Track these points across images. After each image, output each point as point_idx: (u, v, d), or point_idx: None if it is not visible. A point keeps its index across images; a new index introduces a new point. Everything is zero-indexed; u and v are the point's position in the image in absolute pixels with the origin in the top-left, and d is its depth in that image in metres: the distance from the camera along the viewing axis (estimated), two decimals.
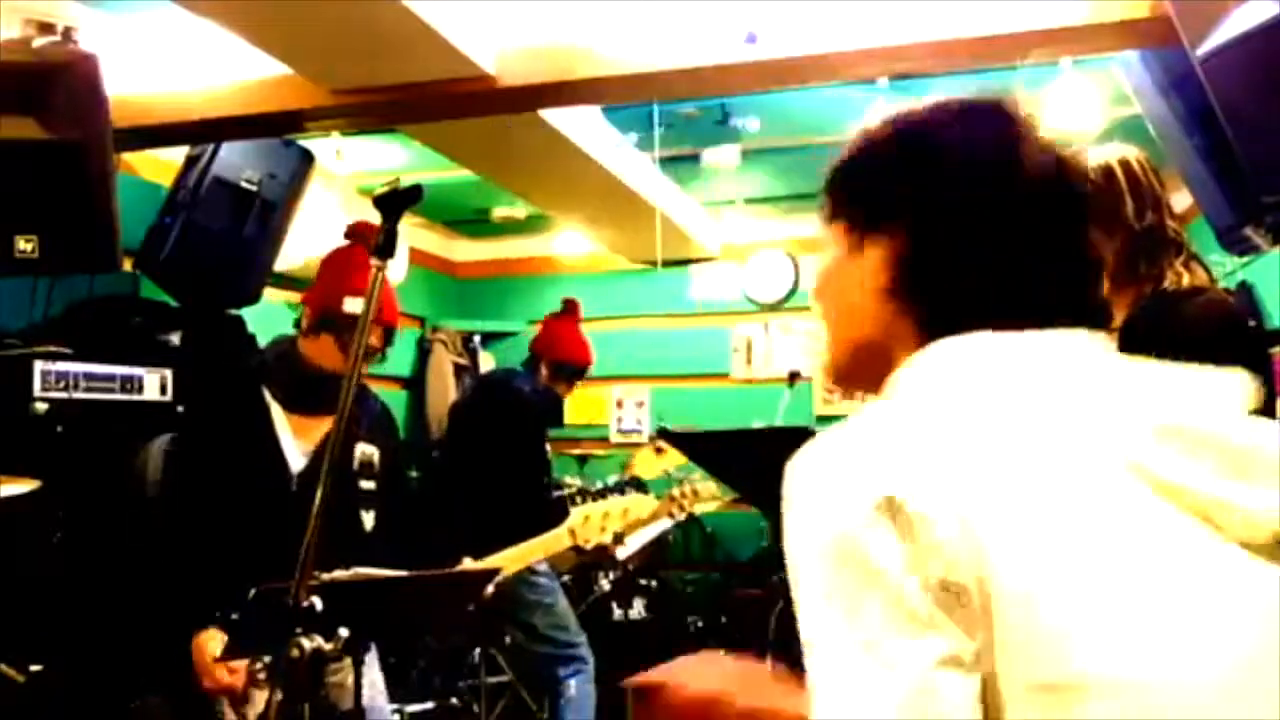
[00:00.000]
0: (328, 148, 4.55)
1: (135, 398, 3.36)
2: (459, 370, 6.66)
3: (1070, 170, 0.94)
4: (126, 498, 3.26)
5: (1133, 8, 2.81)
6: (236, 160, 3.96)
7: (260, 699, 2.44)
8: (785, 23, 3.11)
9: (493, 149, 4.47)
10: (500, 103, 3.47)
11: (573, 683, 4.05)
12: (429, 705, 4.31)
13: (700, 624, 5.53)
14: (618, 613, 5.02)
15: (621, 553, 4.99)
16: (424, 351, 6.76)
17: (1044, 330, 0.85)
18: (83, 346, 3.26)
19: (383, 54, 3.13)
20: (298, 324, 2.66)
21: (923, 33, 3.00)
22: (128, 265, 3.82)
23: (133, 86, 3.48)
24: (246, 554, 2.43)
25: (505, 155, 4.58)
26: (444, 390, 6.51)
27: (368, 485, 2.64)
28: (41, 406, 3.11)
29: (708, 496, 3.85)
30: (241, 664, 2.38)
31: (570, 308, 4.29)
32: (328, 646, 1.58)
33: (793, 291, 6.83)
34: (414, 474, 5.17)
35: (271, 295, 4.41)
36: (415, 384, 6.69)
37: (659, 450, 5.28)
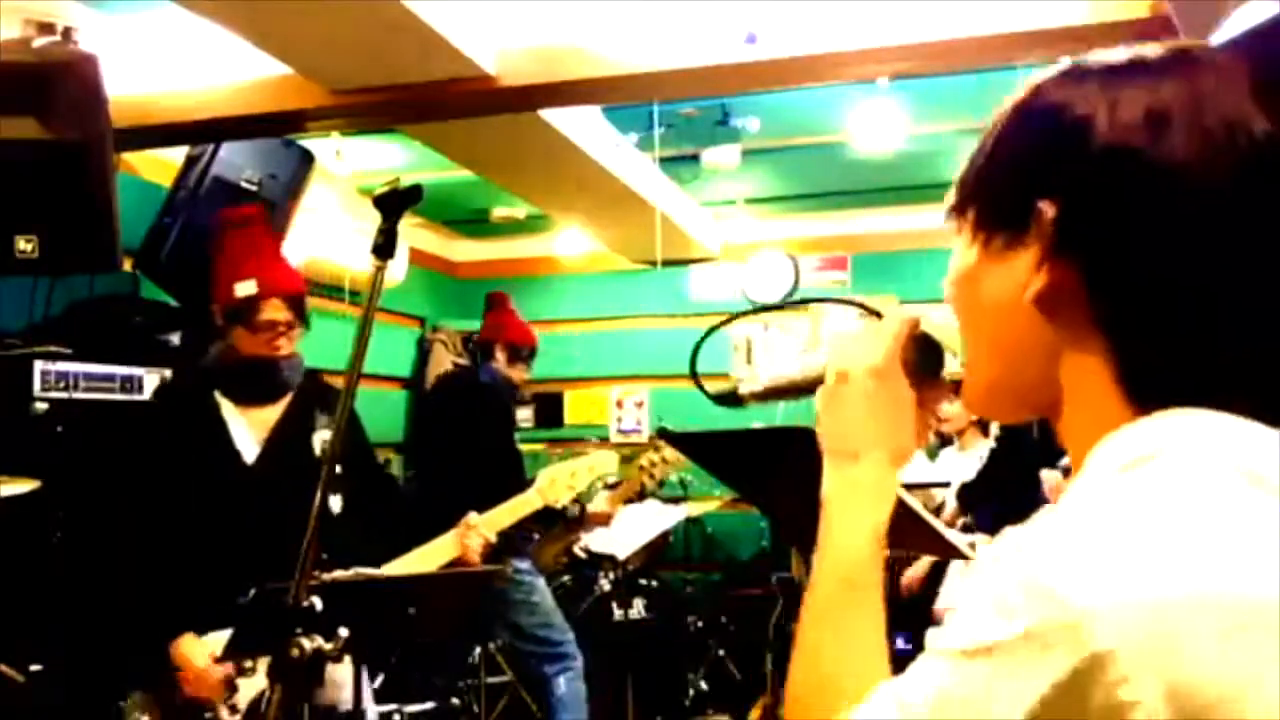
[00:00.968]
0: (328, 148, 4.56)
1: (135, 398, 3.36)
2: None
3: None
4: (126, 498, 3.26)
5: (1133, 8, 2.81)
6: (236, 160, 3.96)
7: (246, 687, 2.44)
8: (785, 23, 3.11)
9: (493, 149, 4.47)
10: (500, 103, 3.47)
11: (561, 680, 4.05)
12: (429, 705, 4.31)
13: (700, 624, 5.53)
14: (618, 613, 5.02)
15: (624, 550, 4.99)
16: (424, 351, 6.76)
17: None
18: (83, 346, 3.26)
19: (383, 54, 3.13)
20: (218, 326, 2.71)
21: (923, 33, 3.00)
22: (128, 265, 3.82)
23: (133, 86, 3.48)
24: (208, 547, 2.48)
25: (505, 155, 4.58)
26: None
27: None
28: (41, 406, 3.11)
29: (675, 462, 3.89)
30: (224, 668, 2.40)
31: (499, 299, 4.42)
32: (328, 647, 1.58)
33: (792, 291, 6.82)
34: (412, 473, 5.17)
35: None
36: (415, 384, 6.69)
37: (656, 449, 5.28)
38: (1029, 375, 0.76)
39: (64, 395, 3.17)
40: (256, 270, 2.63)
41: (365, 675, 2.76)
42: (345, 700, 2.44)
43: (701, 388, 1.10)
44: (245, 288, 2.60)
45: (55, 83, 2.75)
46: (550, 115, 4.04)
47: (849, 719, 0.72)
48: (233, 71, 3.49)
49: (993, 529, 3.40)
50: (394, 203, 1.59)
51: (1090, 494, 0.67)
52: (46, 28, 3.09)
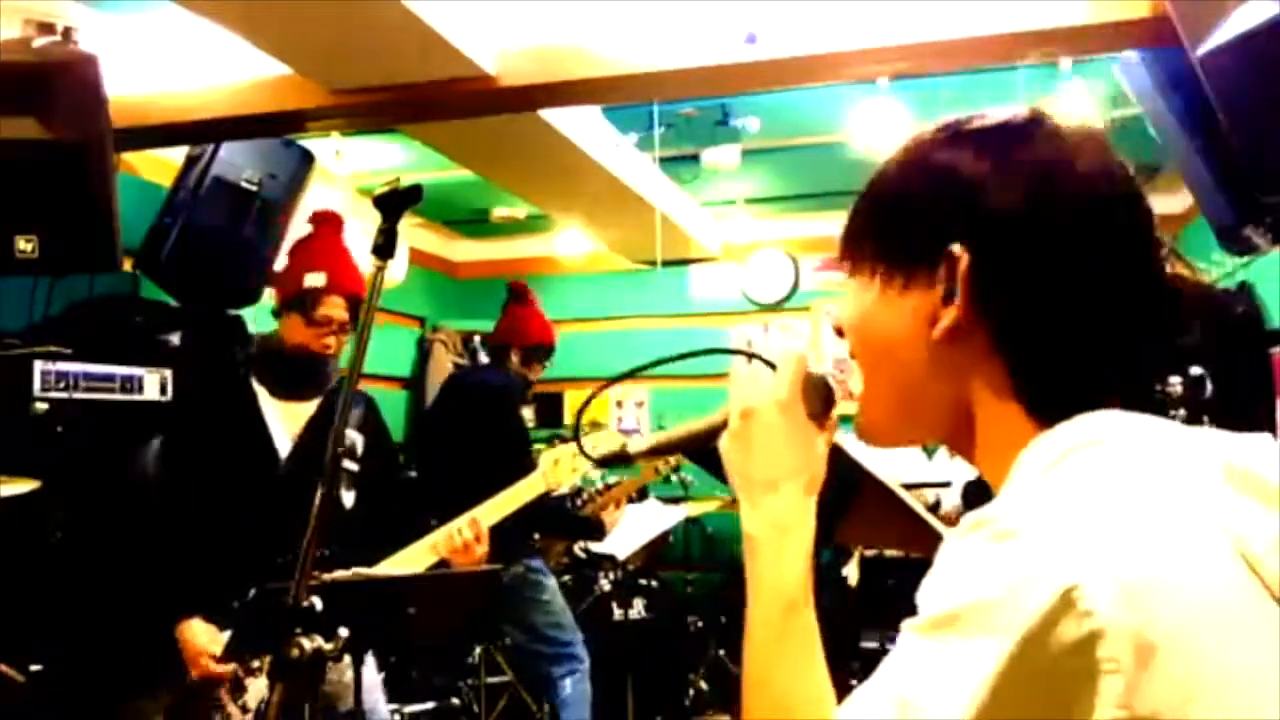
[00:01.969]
0: (328, 148, 4.55)
1: (135, 398, 3.36)
2: (458, 370, 6.66)
3: (1128, 176, 0.83)
4: (126, 498, 3.26)
5: (1133, 8, 2.81)
6: (236, 160, 3.96)
7: (255, 686, 2.45)
8: (785, 23, 3.11)
9: (493, 149, 4.46)
10: (500, 103, 3.47)
11: (568, 682, 4.04)
12: (429, 705, 4.31)
13: (700, 624, 5.53)
14: (618, 613, 5.02)
15: (624, 550, 4.99)
16: (424, 351, 6.76)
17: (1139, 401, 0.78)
18: (83, 346, 3.26)
19: (383, 54, 3.13)
20: (274, 312, 2.83)
21: (923, 33, 2.99)
22: (128, 265, 3.82)
23: (133, 86, 3.48)
24: (239, 539, 2.49)
25: (505, 155, 4.57)
26: None
27: (349, 466, 2.74)
28: (41, 406, 3.11)
29: (677, 459, 3.91)
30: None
31: (522, 291, 4.34)
32: (328, 646, 1.58)
33: (793, 291, 6.83)
34: (412, 474, 5.17)
35: (271, 295, 4.41)
36: (415, 384, 6.69)
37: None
38: (930, 401, 0.85)
39: (64, 395, 3.16)
40: (328, 265, 2.73)
41: (377, 675, 2.78)
42: (373, 700, 2.45)
43: (583, 450, 1.24)
44: (314, 279, 2.70)
45: (55, 83, 2.75)
46: (550, 115, 4.04)
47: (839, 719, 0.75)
48: (233, 71, 3.49)
49: None
50: (394, 203, 1.59)
51: (1031, 486, 0.74)
52: (46, 28, 3.08)
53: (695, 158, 5.15)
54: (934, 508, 4.26)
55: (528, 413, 6.50)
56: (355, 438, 2.82)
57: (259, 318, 4.08)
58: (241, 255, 4.05)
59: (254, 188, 3.99)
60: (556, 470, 3.00)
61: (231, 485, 2.59)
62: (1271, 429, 0.86)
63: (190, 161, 4.00)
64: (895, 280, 0.85)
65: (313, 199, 4.49)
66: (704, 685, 5.32)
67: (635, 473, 4.09)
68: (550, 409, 6.91)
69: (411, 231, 6.54)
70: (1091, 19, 2.85)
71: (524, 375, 4.18)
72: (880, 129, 4.79)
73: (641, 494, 5.55)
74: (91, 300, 3.70)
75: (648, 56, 3.22)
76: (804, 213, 6.68)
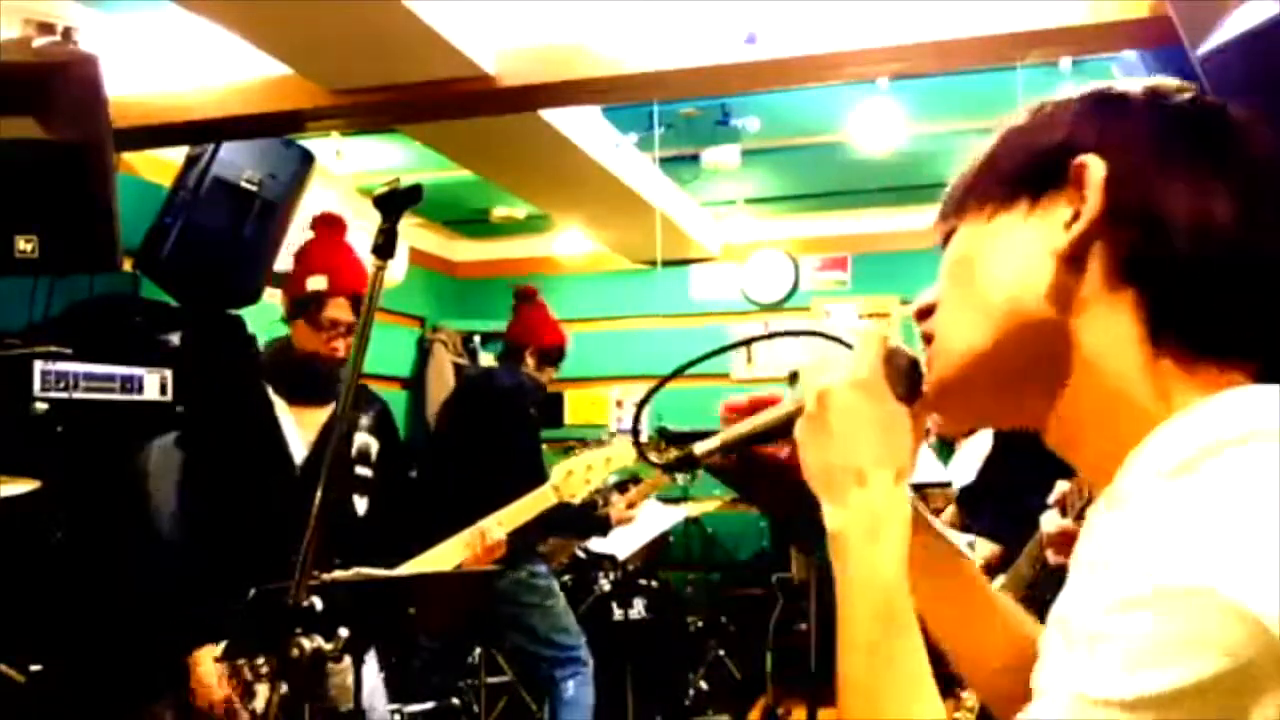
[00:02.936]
0: (328, 148, 4.56)
1: (135, 398, 3.36)
2: (459, 370, 6.66)
3: None
4: (127, 498, 3.26)
5: (1133, 8, 2.81)
6: (236, 160, 3.96)
7: (264, 691, 2.45)
8: (785, 23, 3.11)
9: (493, 149, 4.47)
10: (500, 103, 3.47)
11: (570, 684, 4.03)
12: (429, 705, 4.31)
13: (700, 624, 5.53)
14: (618, 613, 5.02)
15: (624, 550, 4.99)
16: (424, 351, 6.76)
17: None
18: (83, 346, 3.25)
19: (383, 54, 3.13)
20: (284, 319, 2.83)
21: (923, 33, 2.99)
22: (128, 265, 3.82)
23: (133, 86, 3.48)
24: (254, 545, 2.48)
25: (505, 155, 4.57)
26: (444, 390, 6.50)
27: (363, 472, 2.73)
28: (41, 406, 3.10)
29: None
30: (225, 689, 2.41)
31: (531, 294, 4.31)
32: (328, 647, 1.58)
33: (792, 291, 6.83)
34: (413, 474, 5.17)
35: (271, 295, 4.41)
36: (415, 384, 6.69)
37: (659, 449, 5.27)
38: (1028, 349, 0.74)
39: (64, 395, 3.16)
40: (330, 267, 2.73)
41: (378, 676, 2.78)
42: (372, 701, 2.45)
43: (645, 457, 1.06)
44: (316, 282, 2.71)
45: (55, 83, 2.75)
46: (550, 115, 4.04)
47: None
48: (232, 71, 3.49)
49: (992, 531, 3.40)
50: (394, 203, 1.59)
51: (1200, 485, 0.61)
52: (46, 28, 3.09)
53: (695, 158, 5.15)
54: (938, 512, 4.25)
55: None
56: (370, 442, 2.81)
57: (259, 318, 4.08)
58: (241, 255, 4.05)
59: (254, 188, 3.99)
60: (569, 482, 2.97)
61: (249, 491, 2.58)
62: None
63: (190, 161, 4.00)
64: (1015, 206, 0.76)
65: (313, 199, 4.49)
66: (704, 685, 5.32)
67: (652, 475, 4.07)
68: (550, 409, 6.90)
69: (411, 231, 6.54)
70: (1091, 19, 2.85)
71: (537, 378, 4.17)
72: (880, 129, 4.80)
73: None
74: (91, 300, 3.69)
75: (648, 56, 3.22)
76: (804, 213, 6.69)
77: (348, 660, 2.08)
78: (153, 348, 3.61)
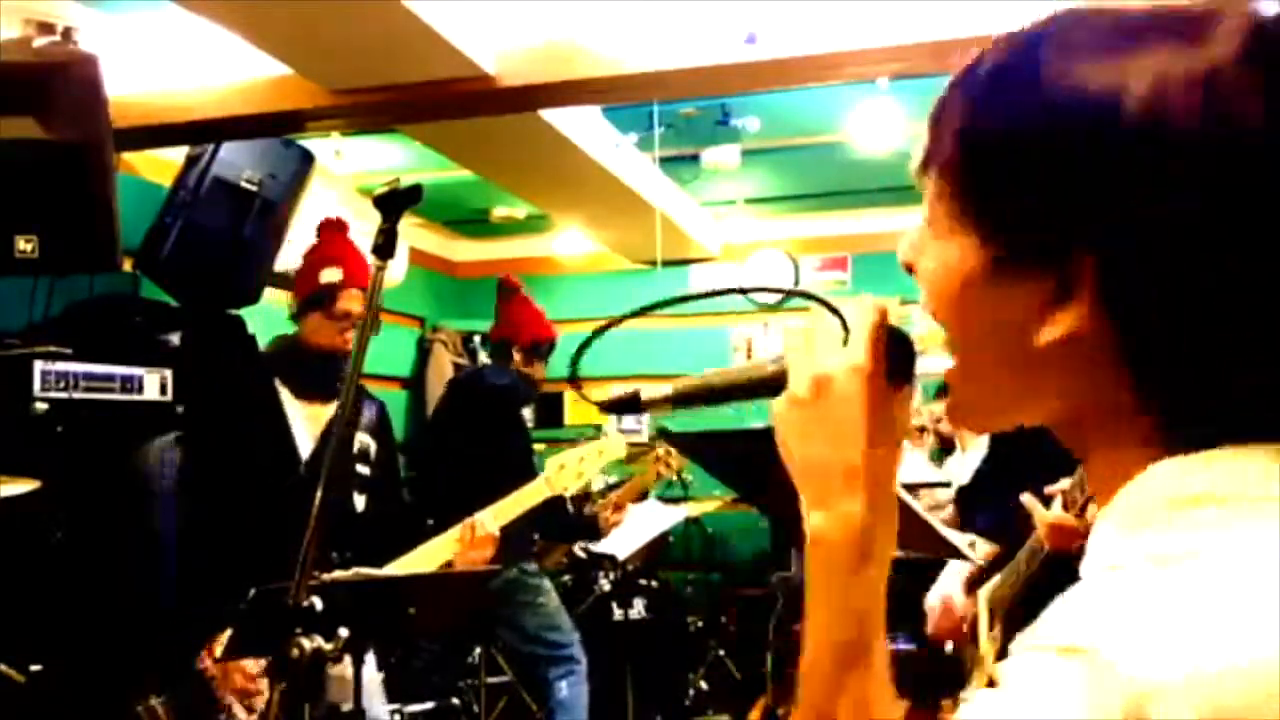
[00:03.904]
0: (328, 148, 4.56)
1: (135, 398, 3.36)
2: (459, 370, 6.66)
3: None
4: (127, 498, 3.26)
5: None
6: (236, 160, 3.96)
7: (266, 688, 2.45)
8: (785, 23, 3.11)
9: (493, 149, 4.47)
10: (500, 103, 3.48)
11: (564, 684, 4.02)
12: (429, 705, 4.31)
13: (700, 624, 5.53)
14: (618, 613, 5.02)
15: (623, 550, 4.99)
16: (424, 351, 6.76)
17: None
18: (83, 346, 3.25)
19: (383, 54, 3.13)
20: (292, 317, 2.84)
21: (923, 33, 3.00)
22: (128, 265, 3.82)
23: (133, 86, 3.48)
24: (259, 542, 2.49)
25: (505, 155, 4.58)
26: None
27: (362, 470, 2.75)
28: (41, 406, 3.11)
29: (680, 460, 3.94)
30: (256, 665, 2.41)
31: (513, 286, 4.20)
32: (327, 647, 1.58)
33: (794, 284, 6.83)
34: (412, 474, 5.18)
35: (271, 295, 4.41)
36: (415, 384, 6.69)
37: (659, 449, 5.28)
38: (1045, 387, 0.66)
39: (64, 395, 3.16)
40: (342, 261, 2.76)
41: (378, 674, 2.79)
42: (369, 702, 2.46)
43: (584, 396, 0.96)
44: (331, 274, 2.74)
45: (55, 83, 2.75)
46: (550, 115, 4.04)
47: None
48: (232, 71, 3.49)
49: (990, 532, 3.39)
50: (394, 203, 1.59)
51: (1136, 549, 0.59)
52: (46, 28, 3.09)
53: (695, 158, 5.15)
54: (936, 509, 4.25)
55: (527, 414, 6.52)
56: (368, 442, 2.84)
57: (259, 318, 4.08)
58: (241, 255, 4.06)
59: (254, 188, 4.00)
60: (560, 476, 2.97)
61: (253, 490, 2.60)
62: None
63: (190, 161, 4.00)
64: (1005, 263, 0.66)
65: (313, 199, 4.50)
66: (704, 685, 5.32)
67: (640, 472, 4.08)
68: (550, 409, 6.91)
69: (411, 231, 6.54)
70: None
71: (529, 375, 4.14)
72: (880, 129, 4.79)
73: (642, 494, 5.55)
74: (91, 300, 3.69)
75: (648, 56, 3.22)
76: (804, 213, 6.69)
77: (348, 660, 2.08)
78: (153, 348, 3.61)
